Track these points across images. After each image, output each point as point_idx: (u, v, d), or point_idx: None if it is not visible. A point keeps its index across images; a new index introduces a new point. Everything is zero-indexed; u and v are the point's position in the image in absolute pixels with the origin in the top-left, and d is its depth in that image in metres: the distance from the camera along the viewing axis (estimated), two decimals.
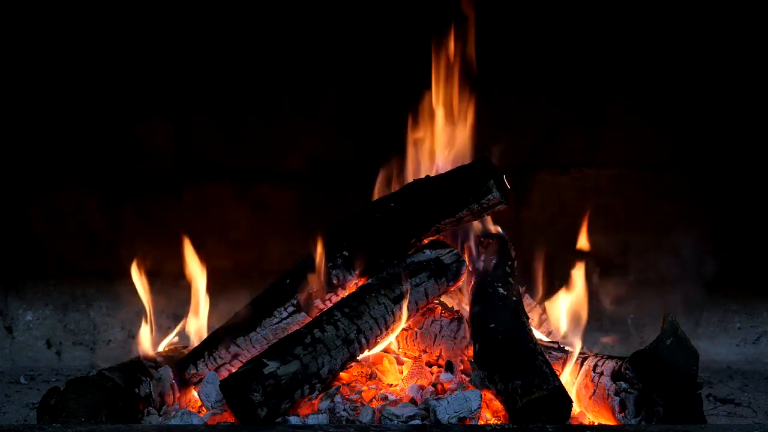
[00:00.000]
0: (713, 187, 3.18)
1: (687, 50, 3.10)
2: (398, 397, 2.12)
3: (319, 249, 2.24)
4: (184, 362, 2.27)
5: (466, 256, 2.42)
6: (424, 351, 2.34)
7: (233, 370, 2.07)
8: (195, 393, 2.23)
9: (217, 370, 2.22)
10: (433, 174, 2.41)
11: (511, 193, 2.29)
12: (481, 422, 1.97)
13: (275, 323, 2.24)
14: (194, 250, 2.47)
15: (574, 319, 2.39)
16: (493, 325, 2.11)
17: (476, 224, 2.46)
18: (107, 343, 3.18)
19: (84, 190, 3.13)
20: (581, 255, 2.52)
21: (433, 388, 2.17)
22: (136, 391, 2.07)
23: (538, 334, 2.40)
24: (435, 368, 2.30)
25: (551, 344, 2.31)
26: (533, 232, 3.14)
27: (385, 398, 2.12)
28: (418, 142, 2.55)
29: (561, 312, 2.46)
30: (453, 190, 2.25)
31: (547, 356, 2.04)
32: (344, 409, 2.03)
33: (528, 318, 2.22)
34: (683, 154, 3.17)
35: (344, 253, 2.28)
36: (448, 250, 2.32)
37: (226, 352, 2.24)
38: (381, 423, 1.96)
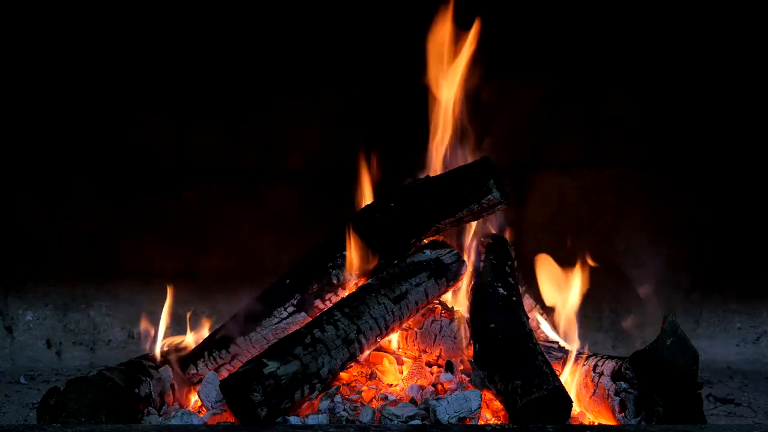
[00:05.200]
0: (713, 187, 3.18)
1: (687, 52, 3.10)
2: (398, 397, 2.12)
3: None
4: (184, 362, 2.27)
5: (466, 256, 2.42)
6: (424, 351, 2.34)
7: (233, 370, 2.07)
8: (195, 393, 2.24)
9: (217, 370, 2.23)
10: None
11: (511, 193, 2.29)
12: (481, 422, 1.97)
13: (275, 323, 2.24)
14: None
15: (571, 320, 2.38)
16: (493, 325, 2.11)
17: (476, 224, 2.46)
18: (107, 343, 3.18)
19: (84, 190, 3.13)
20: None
21: (433, 388, 2.17)
22: (136, 391, 2.07)
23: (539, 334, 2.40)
24: (435, 368, 2.30)
25: (551, 344, 2.31)
26: (533, 231, 3.14)
27: (385, 398, 2.12)
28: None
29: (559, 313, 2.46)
30: (453, 190, 2.25)
31: (547, 356, 2.04)
32: (344, 409, 2.03)
33: (528, 318, 2.22)
34: (683, 154, 3.17)
35: (344, 253, 2.28)
36: (448, 250, 2.32)
37: (225, 352, 2.25)
38: (381, 423, 1.96)
